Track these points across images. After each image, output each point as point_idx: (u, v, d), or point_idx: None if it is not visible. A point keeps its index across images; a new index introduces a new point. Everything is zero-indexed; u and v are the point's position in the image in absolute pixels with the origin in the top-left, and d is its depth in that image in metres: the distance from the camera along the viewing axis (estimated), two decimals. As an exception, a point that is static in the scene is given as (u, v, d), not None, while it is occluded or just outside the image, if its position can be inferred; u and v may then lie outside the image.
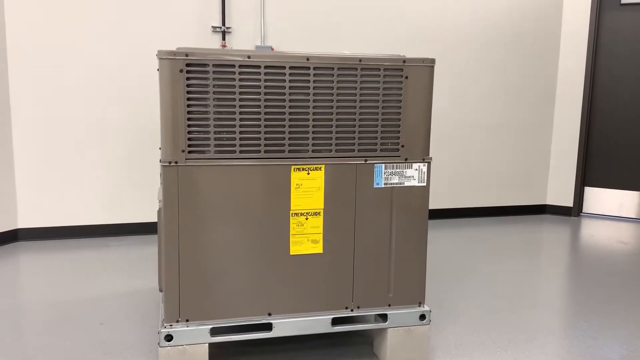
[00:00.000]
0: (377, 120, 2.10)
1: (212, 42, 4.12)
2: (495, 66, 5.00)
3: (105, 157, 4.06)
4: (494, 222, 4.94)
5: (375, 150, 2.12)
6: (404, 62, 2.08)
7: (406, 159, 2.15)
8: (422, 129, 2.15)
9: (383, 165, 2.14)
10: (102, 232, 4.13)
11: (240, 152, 2.00)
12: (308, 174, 2.07)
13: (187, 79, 1.92)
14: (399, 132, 2.13)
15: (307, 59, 1.99)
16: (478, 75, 4.98)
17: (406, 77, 2.09)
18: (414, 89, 2.11)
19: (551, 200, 5.50)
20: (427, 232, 2.12)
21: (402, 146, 2.14)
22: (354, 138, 2.09)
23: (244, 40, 4.20)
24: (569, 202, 5.44)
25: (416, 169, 2.17)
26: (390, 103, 2.10)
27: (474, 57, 4.93)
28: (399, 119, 2.12)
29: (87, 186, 4.06)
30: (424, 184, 2.19)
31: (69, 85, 3.95)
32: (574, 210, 5.42)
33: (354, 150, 2.10)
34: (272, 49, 4.17)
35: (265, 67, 1.97)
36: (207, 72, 1.92)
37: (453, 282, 3.20)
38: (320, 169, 2.08)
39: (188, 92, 1.92)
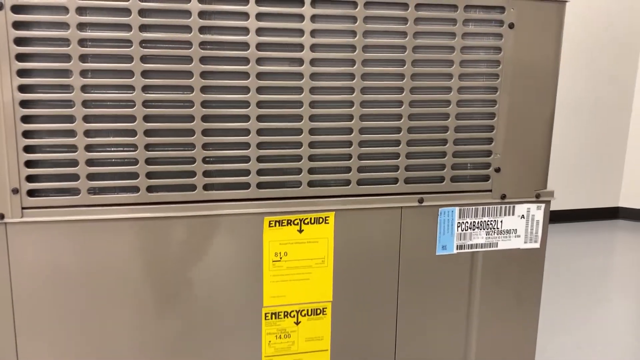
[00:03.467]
0: (446, 117, 1.00)
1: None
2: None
3: None
4: (557, 231, 3.80)
5: (441, 179, 1.03)
6: (508, -9, 0.97)
7: (503, 197, 1.05)
8: (537, 135, 1.05)
9: (456, 210, 1.04)
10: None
11: (151, 188, 0.92)
12: (301, 231, 0.99)
13: (17, 25, 0.83)
14: (490, 141, 1.03)
15: (297, -18, 0.88)
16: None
17: (510, 26, 0.98)
18: (526, 49, 1.00)
19: (626, 201, 4.36)
20: (537, 337, 0.99)
21: (497, 170, 1.04)
22: (397, 155, 1.00)
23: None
24: (650, 204, 4.30)
25: (522, 216, 1.08)
26: (474, 79, 1.00)
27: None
28: (493, 114, 1.02)
29: None
30: (537, 245, 1.10)
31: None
32: (658, 216, 4.29)
33: (395, 181, 1.01)
34: None
35: (201, -2, 0.87)
36: (62, 8, 0.84)
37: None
38: (326, 220, 0.99)
39: (20, 58, 0.84)
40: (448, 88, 1.01)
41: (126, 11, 0.87)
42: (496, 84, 1.02)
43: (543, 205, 1.10)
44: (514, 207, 1.09)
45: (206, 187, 0.95)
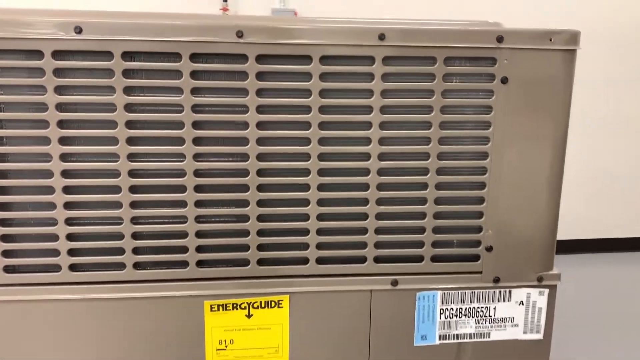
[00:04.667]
0: (424, 187, 0.85)
1: (209, 4, 2.96)
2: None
3: None
4: (585, 262, 3.37)
5: (420, 258, 0.88)
6: (499, 39, 0.80)
7: (497, 280, 0.89)
8: (540, 207, 0.88)
9: (439, 294, 0.89)
10: None
11: (74, 267, 0.81)
12: (249, 316, 0.86)
13: None
14: (480, 214, 0.87)
15: (239, 35, 0.76)
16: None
17: (503, 80, 0.82)
18: (524, 108, 0.84)
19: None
20: None
21: (488, 249, 0.87)
22: (364, 230, 0.85)
23: (256, 1, 3.02)
24: None
25: (521, 302, 0.91)
26: (458, 143, 0.85)
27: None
28: (483, 184, 0.86)
29: None
30: (539, 336, 0.92)
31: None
32: None
33: (363, 260, 0.87)
34: (295, 14, 2.95)
35: (87, 53, 0.76)
36: (39, 70, 0.75)
37: None
38: (279, 304, 0.86)
39: None
40: (425, 154, 0.85)
41: (109, 71, 0.77)
42: (486, 149, 0.86)
43: (547, 291, 0.92)
44: (510, 292, 0.92)
45: (137, 265, 0.84)
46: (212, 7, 2.99)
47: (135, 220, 0.82)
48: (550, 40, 0.83)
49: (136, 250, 0.83)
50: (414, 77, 0.83)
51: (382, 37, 0.80)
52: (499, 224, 0.89)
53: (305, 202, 0.85)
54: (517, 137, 0.86)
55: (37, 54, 0.76)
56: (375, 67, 0.81)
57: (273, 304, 0.87)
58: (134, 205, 0.82)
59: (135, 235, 0.83)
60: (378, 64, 0.81)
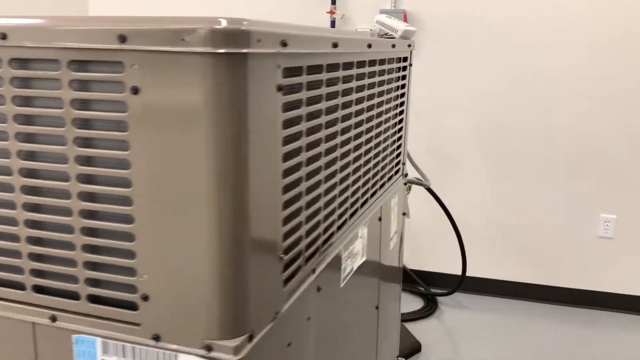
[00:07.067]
0: (67, 213, 0.75)
1: (319, 7, 2.96)
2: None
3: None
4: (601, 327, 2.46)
5: (77, 296, 0.77)
6: (122, 39, 0.66)
7: (156, 337, 0.73)
8: (203, 247, 0.69)
9: (98, 341, 0.76)
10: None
11: None
12: None
13: None
14: (131, 254, 0.72)
15: None
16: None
17: (133, 90, 0.66)
18: (165, 130, 0.67)
19: None
20: None
21: (144, 298, 0.72)
22: (17, 254, 0.78)
23: (364, 3, 2.92)
24: None
25: (189, 373, 0.73)
26: (97, 164, 0.72)
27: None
28: (129, 217, 0.71)
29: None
30: (219, 422, 0.73)
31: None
32: None
33: (22, 287, 0.79)
34: (405, 16, 2.76)
35: None
36: None
37: None
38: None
39: None
40: (64, 173, 0.73)
41: None
42: (127, 175, 0.71)
43: (231, 367, 0.72)
44: (175, 356, 0.74)
45: None
46: (322, 8, 2.99)
47: None
48: (183, 40, 0.65)
49: None
50: (47, 83, 0.72)
51: (3, 36, 0.71)
52: (155, 267, 0.72)
53: (-39, 215, 0.80)
54: (165, 162, 0.69)
55: None
56: (2, 71, 0.73)
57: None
58: None
59: None
60: (5, 66, 0.72)
